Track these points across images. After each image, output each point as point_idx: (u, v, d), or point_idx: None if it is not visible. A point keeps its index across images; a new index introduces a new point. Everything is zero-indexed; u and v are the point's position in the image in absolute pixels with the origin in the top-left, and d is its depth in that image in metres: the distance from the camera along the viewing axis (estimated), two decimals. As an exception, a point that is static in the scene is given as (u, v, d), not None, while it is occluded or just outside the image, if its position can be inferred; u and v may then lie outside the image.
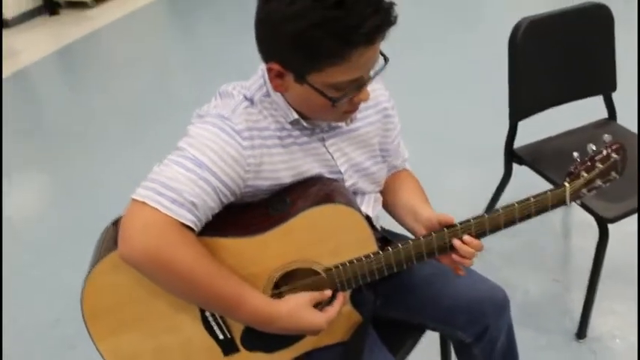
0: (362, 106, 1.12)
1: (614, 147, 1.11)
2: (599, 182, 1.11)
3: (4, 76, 4.58)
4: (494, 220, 1.05)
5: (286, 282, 1.03)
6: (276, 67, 0.93)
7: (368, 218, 1.06)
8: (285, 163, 1.02)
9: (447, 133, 2.92)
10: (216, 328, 1.03)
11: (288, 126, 1.02)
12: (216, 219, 0.99)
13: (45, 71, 4.90)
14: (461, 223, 1.04)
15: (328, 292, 1.02)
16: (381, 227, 1.32)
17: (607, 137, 1.10)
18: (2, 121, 3.57)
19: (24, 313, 2.12)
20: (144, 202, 0.90)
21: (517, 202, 1.06)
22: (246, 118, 0.98)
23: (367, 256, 1.02)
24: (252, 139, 0.98)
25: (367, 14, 0.84)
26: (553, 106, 1.80)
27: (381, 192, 1.27)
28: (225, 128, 0.96)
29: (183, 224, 0.91)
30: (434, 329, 1.28)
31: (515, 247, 2.16)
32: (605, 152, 1.10)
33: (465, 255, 1.04)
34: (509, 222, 1.06)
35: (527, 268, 2.07)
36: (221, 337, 1.04)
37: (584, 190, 1.10)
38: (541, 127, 1.85)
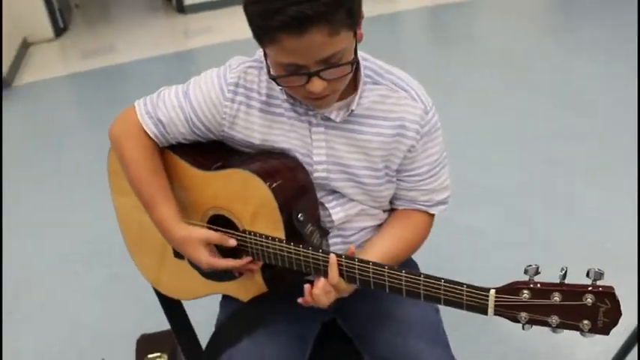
0: (378, 114, 1.08)
1: (599, 290, 0.80)
2: (555, 319, 0.84)
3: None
4: (382, 274, 0.96)
5: (220, 223, 1.13)
6: None
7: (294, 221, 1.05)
8: (260, 126, 1.09)
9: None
10: None
11: (283, 96, 1.08)
12: (193, 147, 1.16)
13: (416, 21, 5.38)
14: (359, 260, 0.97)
15: (232, 242, 1.08)
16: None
17: (599, 272, 0.80)
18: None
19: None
20: (136, 105, 1.15)
21: (425, 275, 0.90)
22: (241, 75, 1.08)
23: (273, 238, 1.05)
24: (235, 93, 1.08)
25: (291, 2, 0.83)
26: None
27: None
28: (221, 76, 1.10)
29: (146, 132, 1.12)
30: None
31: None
32: (578, 289, 0.81)
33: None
34: (405, 290, 0.95)
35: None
36: None
37: (523, 314, 0.85)
38: None
